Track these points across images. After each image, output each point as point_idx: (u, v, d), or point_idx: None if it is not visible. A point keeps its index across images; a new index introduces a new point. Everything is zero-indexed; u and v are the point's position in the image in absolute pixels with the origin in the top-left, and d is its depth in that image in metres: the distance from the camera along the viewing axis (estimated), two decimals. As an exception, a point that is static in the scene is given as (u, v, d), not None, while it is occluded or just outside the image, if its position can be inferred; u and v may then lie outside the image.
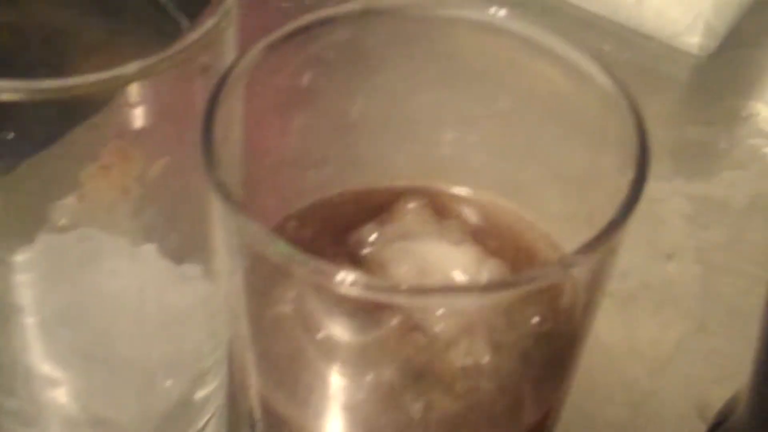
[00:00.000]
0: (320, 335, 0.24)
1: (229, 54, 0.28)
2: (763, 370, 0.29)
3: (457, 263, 0.26)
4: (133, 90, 0.27)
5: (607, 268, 0.23)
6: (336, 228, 0.27)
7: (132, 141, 0.29)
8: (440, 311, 0.23)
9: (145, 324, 0.32)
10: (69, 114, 0.27)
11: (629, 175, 0.23)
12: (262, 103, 0.27)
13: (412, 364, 0.24)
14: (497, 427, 0.25)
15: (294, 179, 0.28)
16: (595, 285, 0.24)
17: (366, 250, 0.26)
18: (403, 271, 0.25)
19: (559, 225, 0.28)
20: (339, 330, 0.23)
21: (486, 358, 0.24)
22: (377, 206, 0.27)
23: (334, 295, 0.21)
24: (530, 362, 0.25)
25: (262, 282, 0.24)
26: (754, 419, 0.30)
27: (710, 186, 0.48)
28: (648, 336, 0.42)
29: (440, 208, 0.27)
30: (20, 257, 0.31)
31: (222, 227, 0.23)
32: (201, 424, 0.36)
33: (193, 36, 0.26)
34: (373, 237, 0.26)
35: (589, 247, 0.22)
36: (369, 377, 0.24)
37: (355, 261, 0.26)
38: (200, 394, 0.35)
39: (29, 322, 0.31)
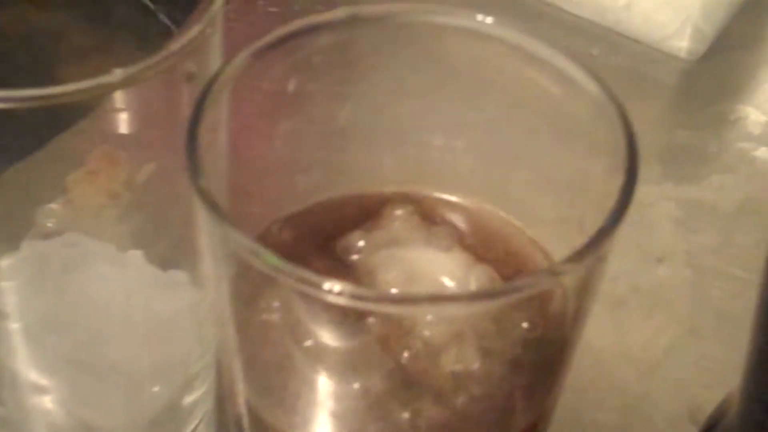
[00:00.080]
0: (307, 343, 0.23)
1: (215, 61, 0.28)
2: (754, 374, 0.29)
3: (445, 270, 0.25)
4: (120, 96, 0.27)
5: (597, 274, 0.23)
6: (323, 234, 0.27)
7: (119, 146, 0.29)
8: (428, 319, 0.23)
9: (132, 330, 0.32)
10: (55, 119, 0.27)
11: (618, 179, 0.23)
12: (249, 109, 0.27)
13: (400, 371, 0.24)
14: (487, 434, 0.25)
15: (281, 185, 0.28)
16: (585, 292, 0.24)
17: (354, 257, 0.26)
18: (391, 278, 0.25)
19: (548, 230, 0.27)
20: (326, 337, 0.23)
21: (475, 365, 0.24)
22: (365, 212, 0.27)
23: (321, 304, 0.21)
24: (520, 369, 0.25)
25: (248, 290, 0.24)
26: (745, 423, 0.30)
27: (699, 190, 0.48)
28: (638, 340, 0.42)
29: (428, 214, 0.27)
30: (5, 263, 0.30)
31: (207, 236, 0.23)
32: (189, 429, 0.36)
33: (178, 43, 0.26)
34: (360, 243, 0.26)
35: (579, 255, 0.22)
36: (357, 385, 0.24)
37: (343, 268, 0.26)
38: (188, 399, 0.35)
39: (15, 328, 0.31)
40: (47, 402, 0.33)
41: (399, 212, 0.27)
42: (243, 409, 0.26)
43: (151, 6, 0.30)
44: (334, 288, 0.21)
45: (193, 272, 0.32)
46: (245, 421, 0.26)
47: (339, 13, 0.26)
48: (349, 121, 0.28)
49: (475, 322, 0.24)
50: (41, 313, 0.31)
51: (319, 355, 0.24)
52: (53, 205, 0.30)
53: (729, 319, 0.42)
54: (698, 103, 0.52)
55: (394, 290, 0.25)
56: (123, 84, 0.26)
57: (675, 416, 0.39)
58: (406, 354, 0.24)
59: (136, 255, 0.31)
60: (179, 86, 0.27)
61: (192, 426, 0.36)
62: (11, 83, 0.25)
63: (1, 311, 0.31)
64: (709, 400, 0.34)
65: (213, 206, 0.22)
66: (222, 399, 0.35)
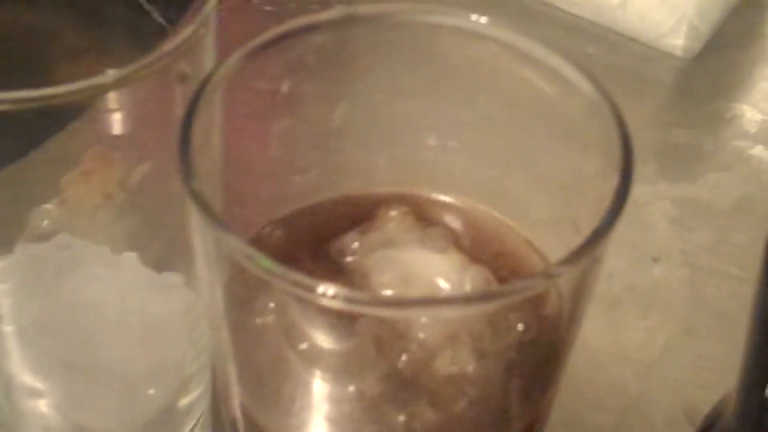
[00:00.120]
0: (302, 346, 0.23)
1: (209, 61, 0.28)
2: (750, 373, 0.29)
3: (440, 271, 0.25)
4: (113, 96, 0.27)
5: (593, 276, 0.23)
6: (318, 235, 0.27)
7: (113, 147, 0.29)
8: (423, 322, 0.23)
9: (126, 332, 0.32)
10: (49, 120, 0.27)
11: (613, 179, 0.23)
12: (243, 110, 0.27)
13: (394, 374, 0.24)
14: (483, 436, 0.25)
15: (276, 186, 0.28)
16: (580, 293, 0.23)
17: (348, 259, 0.26)
18: (385, 280, 0.25)
19: (543, 230, 0.27)
20: (320, 340, 0.23)
21: (471, 367, 0.24)
22: (359, 213, 0.27)
23: (315, 307, 0.21)
24: (516, 371, 0.25)
25: (242, 293, 0.24)
26: (742, 423, 0.30)
27: (695, 188, 0.48)
28: (635, 340, 0.42)
29: (423, 215, 0.27)
30: (-1, 265, 0.30)
31: (200, 238, 0.23)
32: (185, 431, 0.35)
33: (170, 44, 0.26)
34: (355, 245, 0.26)
35: (574, 256, 0.22)
36: (351, 388, 0.24)
37: (338, 270, 0.26)
38: (183, 402, 0.35)
39: (8, 331, 0.31)
40: (42, 405, 0.33)
41: (393, 213, 0.27)
42: (238, 413, 0.26)
43: (146, 5, 0.30)
44: (328, 291, 0.20)
45: (188, 274, 0.32)
46: (240, 425, 0.26)
47: (333, 13, 0.26)
48: (343, 121, 0.28)
49: (469, 324, 0.24)
50: (35, 315, 0.31)
51: (313, 358, 0.24)
52: (48, 206, 0.30)
53: (725, 318, 0.42)
54: (694, 102, 0.52)
55: (388, 293, 0.25)
56: (116, 85, 0.26)
57: (671, 416, 0.39)
58: (400, 357, 0.24)
59: (131, 257, 0.31)
60: (173, 87, 0.27)
61: (188, 428, 0.36)
62: (5, 84, 0.25)
63: (-6, 314, 0.31)
64: (705, 400, 0.34)
65: (206, 209, 0.22)
66: (217, 401, 0.35)
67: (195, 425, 0.36)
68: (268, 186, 0.28)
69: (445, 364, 0.24)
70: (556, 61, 0.25)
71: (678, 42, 0.53)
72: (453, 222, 0.28)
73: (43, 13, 0.31)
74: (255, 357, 0.25)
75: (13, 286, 0.31)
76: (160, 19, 0.30)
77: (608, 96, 0.24)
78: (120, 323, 0.32)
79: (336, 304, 0.21)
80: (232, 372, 0.25)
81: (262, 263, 0.21)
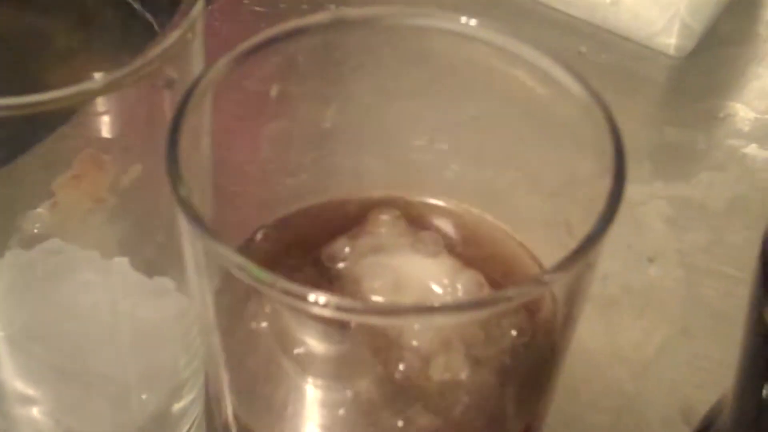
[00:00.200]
0: (293, 352, 0.23)
1: (196, 66, 0.28)
2: (746, 373, 0.29)
3: (432, 276, 0.25)
4: (102, 101, 0.27)
5: (587, 280, 0.23)
6: (309, 240, 0.27)
7: (103, 150, 0.29)
8: (416, 328, 0.23)
9: (118, 338, 0.32)
10: (38, 124, 0.27)
11: (606, 181, 0.23)
12: (233, 113, 0.26)
13: (387, 381, 0.24)
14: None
15: (266, 189, 0.28)
16: (574, 298, 0.23)
17: (340, 265, 0.26)
18: (377, 286, 0.25)
19: (535, 233, 0.27)
20: (312, 347, 0.23)
21: (464, 374, 0.23)
22: (351, 217, 0.27)
23: (307, 314, 0.21)
24: (511, 376, 0.24)
25: (233, 300, 0.23)
26: (739, 424, 0.30)
27: (689, 188, 0.47)
28: (630, 340, 0.42)
29: (415, 219, 0.27)
30: (-11, 271, 0.30)
31: (189, 246, 0.23)
32: (179, 436, 0.35)
33: (157, 50, 0.26)
34: (346, 250, 0.26)
35: (568, 262, 0.22)
36: (343, 394, 0.24)
37: (329, 276, 0.26)
38: (177, 406, 0.35)
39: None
40: (34, 412, 0.33)
41: (385, 217, 0.26)
42: (230, 418, 0.26)
43: (137, 7, 0.30)
44: (319, 300, 0.20)
45: (180, 279, 0.32)
46: (233, 430, 0.26)
47: (323, 16, 0.26)
48: (334, 124, 0.28)
49: (463, 330, 0.23)
50: (25, 321, 0.31)
51: (305, 364, 0.24)
52: (38, 210, 0.30)
53: (721, 318, 0.42)
54: (687, 100, 0.52)
55: (380, 299, 0.25)
56: (103, 91, 0.26)
57: (668, 416, 0.39)
58: (393, 363, 0.23)
59: (122, 262, 0.31)
60: (161, 91, 0.27)
61: (182, 432, 0.35)
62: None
63: (-16, 320, 0.31)
64: (702, 400, 0.34)
65: (194, 217, 0.22)
66: (211, 406, 0.35)
67: (189, 430, 0.36)
68: (258, 189, 0.28)
69: (438, 371, 0.23)
70: (547, 63, 0.25)
71: (670, 40, 0.53)
72: (445, 226, 0.28)
73: (34, 15, 0.31)
74: (247, 363, 0.25)
75: (3, 291, 0.31)
76: (152, 21, 0.30)
77: (600, 98, 0.24)
78: (111, 328, 0.32)
79: (327, 313, 0.21)
80: (224, 378, 0.25)
81: (253, 272, 0.21)
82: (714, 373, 0.40)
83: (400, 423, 0.23)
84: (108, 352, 0.32)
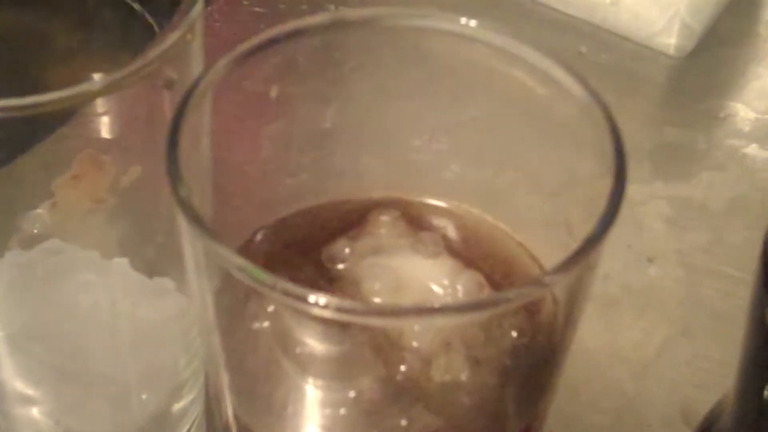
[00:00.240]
0: (293, 353, 0.23)
1: (196, 66, 0.28)
2: (747, 374, 0.29)
3: (432, 277, 0.25)
4: (102, 101, 0.27)
5: (588, 282, 0.23)
6: (309, 241, 0.27)
7: (103, 151, 0.29)
8: (416, 329, 0.23)
9: (118, 338, 0.32)
10: (37, 125, 0.27)
11: (606, 181, 0.23)
12: (233, 114, 0.26)
13: (387, 381, 0.24)
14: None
15: (266, 189, 0.28)
16: (575, 299, 0.23)
17: (340, 266, 0.26)
18: (377, 288, 0.25)
19: (535, 233, 0.27)
20: (312, 348, 0.23)
21: (465, 375, 0.23)
22: (351, 218, 0.27)
23: (307, 315, 0.21)
24: (511, 377, 0.24)
25: (232, 300, 0.23)
26: (740, 425, 0.29)
27: (689, 188, 0.47)
28: (630, 340, 0.42)
29: (414, 220, 0.27)
30: (-11, 271, 0.30)
31: (189, 246, 0.23)
32: (180, 436, 0.35)
33: (156, 51, 0.26)
34: (346, 251, 0.26)
35: (569, 263, 0.22)
36: (343, 395, 0.24)
37: (329, 277, 0.26)
38: (177, 406, 0.35)
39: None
40: (34, 412, 0.33)
41: (385, 218, 0.26)
42: (231, 418, 0.26)
43: (136, 8, 0.30)
44: (319, 301, 0.20)
45: (180, 279, 0.32)
46: (233, 430, 0.26)
47: (323, 17, 0.26)
48: (334, 125, 0.28)
49: (463, 331, 0.23)
50: (25, 322, 0.31)
51: (305, 365, 0.23)
52: (38, 211, 0.30)
53: (721, 318, 0.42)
54: (687, 101, 0.52)
55: (380, 301, 0.25)
56: (102, 92, 0.26)
57: (668, 416, 0.39)
58: (393, 364, 0.23)
59: (122, 262, 0.31)
60: (161, 92, 0.27)
61: (183, 432, 0.35)
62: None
63: (-16, 321, 0.31)
64: (702, 400, 0.34)
65: (194, 218, 0.22)
66: (211, 406, 0.35)
67: (189, 430, 0.36)
68: (258, 190, 0.28)
69: (439, 372, 0.23)
70: (547, 64, 0.25)
71: (670, 40, 0.53)
72: (445, 226, 0.28)
73: (34, 16, 0.31)
74: (247, 363, 0.25)
75: (3, 291, 0.31)
76: (152, 21, 0.30)
77: (600, 98, 0.24)
78: (111, 329, 0.32)
79: (328, 314, 0.21)
80: (224, 378, 0.25)
81: (253, 273, 0.21)
82: (714, 373, 0.40)
83: (400, 424, 0.23)
84: (108, 352, 0.32)
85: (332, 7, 0.51)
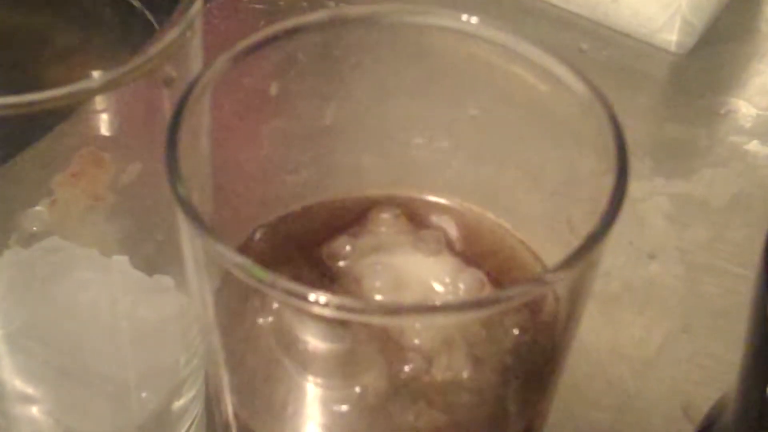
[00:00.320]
0: (293, 352, 0.23)
1: (195, 64, 0.28)
2: (749, 371, 0.29)
3: (433, 275, 0.25)
4: (101, 98, 0.27)
5: (589, 279, 0.23)
6: (309, 239, 0.26)
7: (102, 148, 0.29)
8: (417, 327, 0.23)
9: (118, 336, 0.32)
10: (37, 122, 0.27)
11: (607, 178, 0.23)
12: (233, 112, 0.26)
13: (389, 379, 0.23)
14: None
15: (266, 187, 0.28)
16: (577, 297, 0.23)
17: (341, 264, 0.26)
18: (378, 285, 0.25)
19: (537, 231, 0.27)
20: (313, 346, 0.23)
21: (466, 373, 0.23)
22: (351, 216, 0.27)
23: (307, 313, 0.21)
24: (513, 375, 0.24)
25: (232, 299, 0.23)
26: (742, 422, 0.29)
27: (691, 184, 0.47)
28: (632, 337, 0.41)
29: (415, 217, 0.27)
30: (-12, 269, 0.30)
31: (188, 245, 0.23)
32: (180, 434, 0.35)
33: (155, 48, 0.26)
34: (347, 249, 0.26)
35: (570, 260, 0.22)
36: (344, 394, 0.23)
37: (330, 275, 0.25)
38: (177, 404, 0.35)
39: (-1, 335, 0.31)
40: (34, 411, 0.33)
41: (385, 216, 0.26)
42: (231, 416, 0.26)
43: (136, 5, 0.30)
44: (320, 299, 0.20)
45: (179, 277, 0.32)
46: (233, 428, 0.26)
47: (323, 14, 0.26)
48: (334, 122, 0.28)
49: (464, 329, 0.23)
50: (25, 320, 0.31)
51: (305, 363, 0.23)
52: (38, 208, 0.30)
53: (722, 316, 0.42)
54: (688, 97, 0.51)
55: (381, 299, 0.25)
56: (102, 89, 0.26)
57: (670, 413, 0.39)
58: (394, 363, 0.23)
59: (121, 260, 0.31)
60: (161, 89, 0.27)
61: (183, 431, 0.35)
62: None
63: (-16, 319, 0.31)
64: (703, 397, 0.34)
65: (193, 216, 0.22)
66: (211, 404, 0.35)
67: (189, 428, 0.36)
68: (258, 187, 0.28)
69: (440, 370, 0.23)
70: (548, 60, 0.25)
71: (671, 37, 0.52)
72: (446, 224, 0.27)
73: (33, 14, 0.31)
74: (247, 362, 0.25)
75: (2, 289, 0.31)
76: (150, 18, 0.30)
77: (601, 95, 0.24)
78: (111, 327, 0.32)
79: (328, 312, 0.20)
80: (224, 376, 0.25)
81: (252, 271, 0.21)
82: (715, 370, 0.40)
83: (401, 422, 0.23)
84: (108, 351, 0.32)
85: (332, 3, 0.51)
